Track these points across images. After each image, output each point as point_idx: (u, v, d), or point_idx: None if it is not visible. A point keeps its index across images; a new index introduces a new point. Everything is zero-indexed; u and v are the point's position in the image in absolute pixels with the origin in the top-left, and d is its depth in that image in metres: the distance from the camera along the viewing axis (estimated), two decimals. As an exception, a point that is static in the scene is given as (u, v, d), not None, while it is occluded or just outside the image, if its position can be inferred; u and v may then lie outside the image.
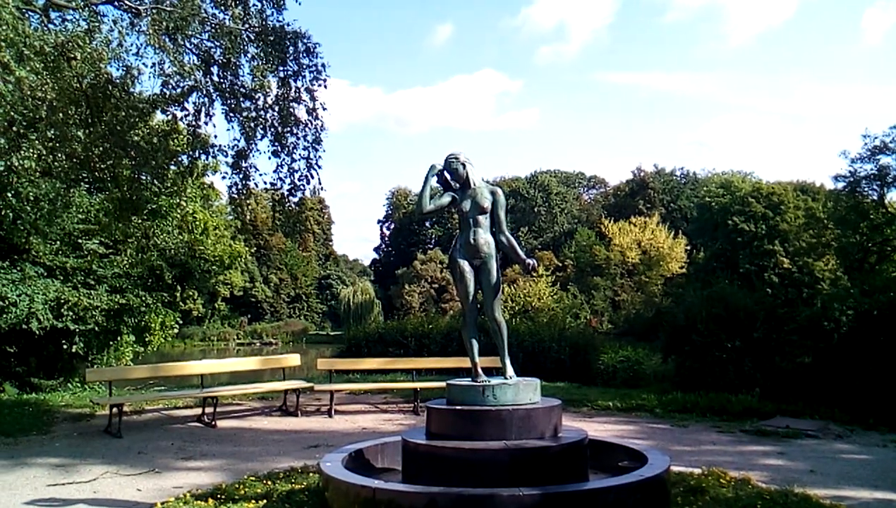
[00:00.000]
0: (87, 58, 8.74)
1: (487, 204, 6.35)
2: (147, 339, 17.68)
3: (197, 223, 21.31)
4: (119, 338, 16.49)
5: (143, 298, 15.68)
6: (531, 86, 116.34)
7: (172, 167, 10.47)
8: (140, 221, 13.40)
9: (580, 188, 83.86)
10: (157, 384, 15.22)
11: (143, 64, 9.12)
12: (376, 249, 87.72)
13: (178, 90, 9.16)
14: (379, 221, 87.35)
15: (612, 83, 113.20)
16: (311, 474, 7.07)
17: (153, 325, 17.34)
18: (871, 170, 18.06)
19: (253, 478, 7.06)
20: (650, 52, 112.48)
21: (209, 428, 10.95)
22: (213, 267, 23.55)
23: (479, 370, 6.31)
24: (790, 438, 10.15)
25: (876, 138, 18.10)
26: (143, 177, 10.42)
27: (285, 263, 72.90)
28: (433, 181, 6.43)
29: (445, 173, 6.46)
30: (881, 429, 10.79)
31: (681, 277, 52.08)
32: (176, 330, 19.72)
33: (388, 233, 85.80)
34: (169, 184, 10.68)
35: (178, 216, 17.22)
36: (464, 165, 6.39)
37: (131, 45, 8.89)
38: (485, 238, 6.33)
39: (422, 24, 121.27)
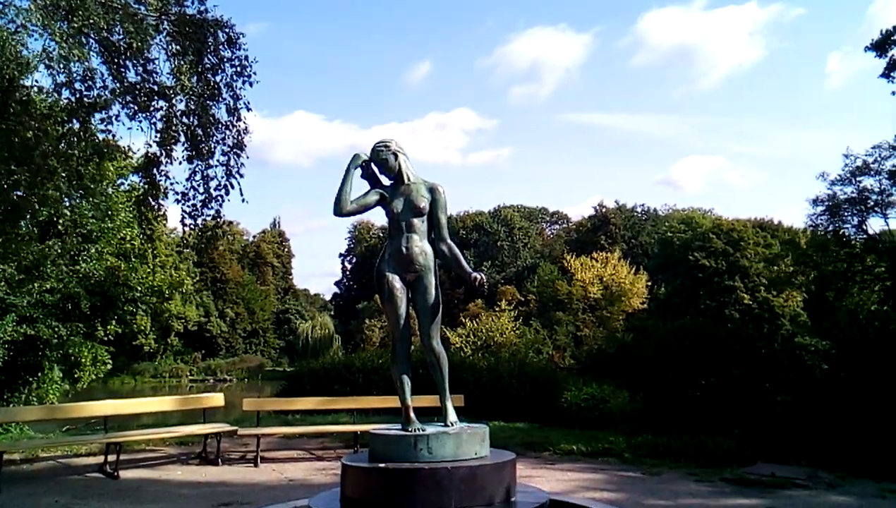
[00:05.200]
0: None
1: (424, 203, 5.05)
2: (77, 376, 15.97)
3: (133, 249, 19.69)
4: (41, 374, 14.75)
5: (56, 329, 13.98)
6: (504, 125, 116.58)
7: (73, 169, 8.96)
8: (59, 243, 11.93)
9: (543, 223, 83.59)
10: (78, 428, 13.46)
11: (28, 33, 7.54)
12: (337, 283, 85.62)
13: (66, 76, 7.71)
14: (340, 255, 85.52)
15: (582, 123, 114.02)
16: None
17: (84, 360, 15.67)
18: (852, 193, 17.09)
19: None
20: (620, 93, 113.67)
21: (110, 480, 9.37)
22: (150, 296, 21.83)
23: (412, 414, 4.96)
24: (777, 487, 9.00)
25: (857, 158, 17.06)
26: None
27: (242, 297, 70.37)
28: (357, 174, 5.12)
29: (373, 165, 5.15)
30: (873, 477, 9.70)
31: (642, 313, 51.39)
32: (109, 366, 18.03)
33: (349, 267, 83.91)
34: (56, 185, 9.07)
35: (114, 241, 15.82)
36: (395, 155, 5.07)
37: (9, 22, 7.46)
38: (420, 246, 5.02)
39: (401, 61, 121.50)
